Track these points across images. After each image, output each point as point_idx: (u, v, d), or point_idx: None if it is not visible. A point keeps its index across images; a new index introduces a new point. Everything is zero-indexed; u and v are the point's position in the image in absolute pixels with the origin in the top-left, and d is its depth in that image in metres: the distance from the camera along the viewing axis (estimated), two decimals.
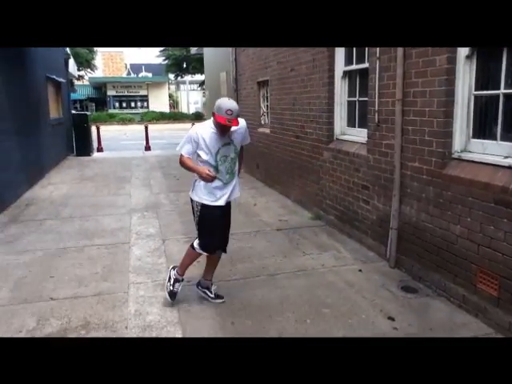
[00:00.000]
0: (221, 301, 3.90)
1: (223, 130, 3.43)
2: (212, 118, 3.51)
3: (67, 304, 3.90)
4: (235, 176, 3.71)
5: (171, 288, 3.81)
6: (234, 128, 3.50)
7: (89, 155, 14.04)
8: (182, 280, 3.86)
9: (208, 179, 3.51)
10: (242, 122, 3.60)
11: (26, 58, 9.49)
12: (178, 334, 3.38)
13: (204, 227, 3.69)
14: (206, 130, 3.50)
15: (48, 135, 11.17)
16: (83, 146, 14.00)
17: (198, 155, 3.55)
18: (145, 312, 3.73)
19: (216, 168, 3.54)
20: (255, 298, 3.97)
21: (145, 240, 5.63)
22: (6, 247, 5.40)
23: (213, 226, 3.68)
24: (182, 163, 3.63)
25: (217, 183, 3.58)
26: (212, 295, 3.93)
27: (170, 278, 3.85)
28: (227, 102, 3.38)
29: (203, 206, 3.62)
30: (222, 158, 3.54)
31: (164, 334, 3.38)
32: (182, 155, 3.59)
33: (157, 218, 6.64)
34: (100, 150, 15.24)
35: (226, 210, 3.74)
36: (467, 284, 3.60)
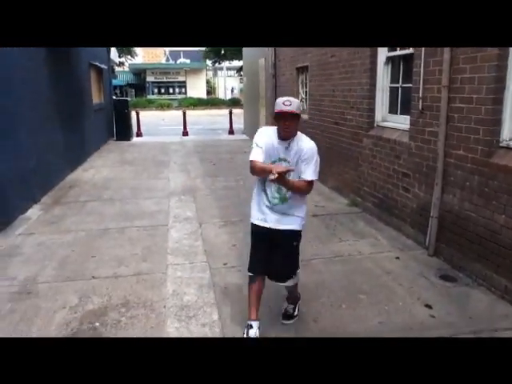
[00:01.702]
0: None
1: (284, 126, 2.88)
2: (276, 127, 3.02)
3: (108, 283, 4.03)
4: (287, 203, 3.06)
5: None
6: (295, 141, 2.95)
7: (128, 140, 14.32)
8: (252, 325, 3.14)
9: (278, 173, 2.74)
10: (309, 142, 3.00)
11: None
12: (215, 315, 3.44)
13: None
14: (267, 131, 3.04)
15: (90, 120, 11.47)
16: (123, 131, 14.29)
17: None
18: (182, 292, 3.81)
19: (263, 183, 3.08)
20: None
21: (182, 223, 5.72)
22: (50, 227, 5.62)
23: (254, 245, 3.21)
24: (252, 169, 2.97)
25: (265, 201, 3.10)
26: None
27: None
28: (284, 97, 2.98)
29: (251, 223, 3.20)
30: None
31: (201, 314, 3.44)
32: (250, 161, 2.98)
33: (194, 202, 6.73)
34: (139, 134, 15.53)
35: (271, 234, 3.10)
36: (510, 275, 3.49)
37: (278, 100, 2.96)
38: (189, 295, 3.77)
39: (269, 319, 3.36)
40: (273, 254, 3.11)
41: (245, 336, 3.09)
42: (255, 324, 3.10)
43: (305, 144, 2.98)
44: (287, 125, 2.88)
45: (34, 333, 3.22)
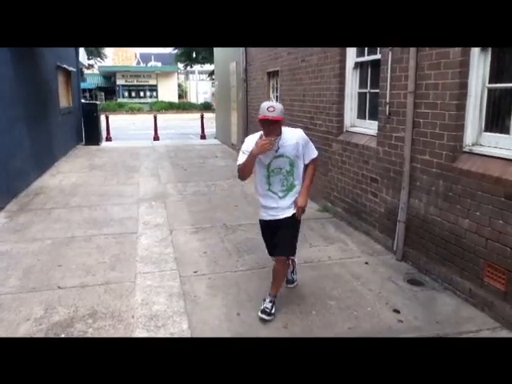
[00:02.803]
0: (267, 317, 3.44)
1: (269, 131, 3.17)
2: (260, 132, 3.29)
3: (75, 293, 3.93)
4: (292, 193, 3.44)
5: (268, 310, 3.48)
6: (284, 139, 3.26)
7: (98, 144, 14.07)
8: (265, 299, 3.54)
9: (264, 146, 3.11)
10: (297, 131, 3.43)
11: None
12: (184, 324, 3.39)
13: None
14: (254, 138, 3.29)
15: (58, 124, 11.21)
16: (92, 135, 14.03)
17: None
18: (151, 302, 3.75)
19: (267, 179, 3.40)
20: (261, 289, 3.95)
21: (152, 230, 5.64)
22: (15, 235, 5.45)
23: (263, 237, 3.76)
24: (240, 171, 3.33)
25: (271, 195, 3.43)
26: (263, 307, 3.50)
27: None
28: (268, 102, 3.29)
29: (261, 220, 3.66)
30: (275, 170, 3.35)
31: (170, 324, 3.39)
32: (238, 165, 3.32)
33: (164, 208, 6.66)
34: (109, 139, 15.28)
35: (274, 225, 3.50)
36: (474, 278, 3.58)
37: (262, 105, 3.18)
38: (158, 304, 3.71)
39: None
40: (278, 235, 3.48)
41: (262, 307, 3.47)
42: (268, 299, 3.50)
43: (294, 135, 3.35)
44: (271, 129, 3.17)
45: None
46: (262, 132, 3.26)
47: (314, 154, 3.49)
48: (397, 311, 3.57)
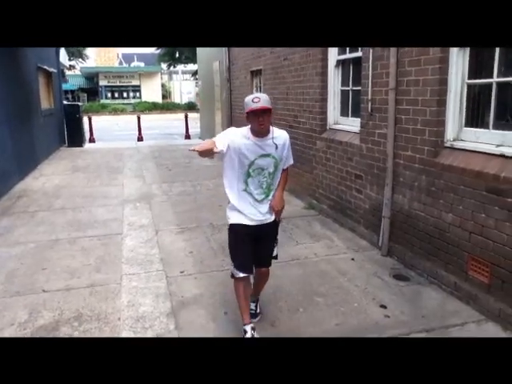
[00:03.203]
0: (253, 319, 3.30)
1: (258, 123, 2.87)
2: (247, 127, 3.01)
3: (59, 296, 3.88)
4: (270, 197, 3.13)
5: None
6: (275, 138, 2.98)
7: (81, 146, 13.91)
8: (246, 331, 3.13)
9: (202, 150, 2.83)
10: (284, 133, 3.12)
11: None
12: (171, 325, 3.38)
13: (230, 247, 3.24)
14: (239, 131, 3.02)
15: (39, 126, 11.06)
16: (75, 137, 13.87)
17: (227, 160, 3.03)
18: (138, 303, 3.72)
19: (245, 179, 3.03)
20: None
21: (137, 231, 5.61)
22: None
23: (238, 245, 3.16)
24: (200, 154, 2.90)
25: (246, 198, 3.08)
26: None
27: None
28: (252, 94, 2.97)
29: (229, 225, 3.19)
30: (256, 170, 3.00)
31: (157, 325, 3.37)
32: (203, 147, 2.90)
33: (149, 209, 6.61)
34: (92, 140, 15.12)
35: (256, 231, 3.12)
36: (459, 271, 3.62)
37: (246, 99, 2.94)
38: (144, 306, 3.68)
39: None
40: (259, 244, 3.17)
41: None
42: (248, 328, 3.09)
43: (282, 136, 3.09)
44: (261, 121, 2.88)
45: None
46: (248, 127, 2.97)
47: (291, 160, 3.24)
48: (383, 306, 3.60)
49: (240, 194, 3.09)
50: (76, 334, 3.27)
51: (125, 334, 3.25)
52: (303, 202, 6.65)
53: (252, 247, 3.13)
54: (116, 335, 3.25)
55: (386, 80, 4.33)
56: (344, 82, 5.65)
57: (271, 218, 3.17)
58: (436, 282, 3.89)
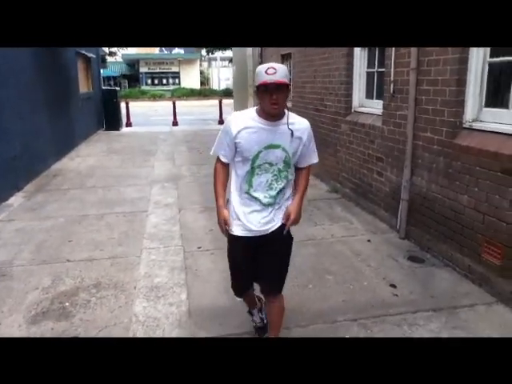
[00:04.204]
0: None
1: (270, 101, 2.23)
2: (254, 108, 2.41)
3: (82, 265, 4.09)
4: (281, 200, 2.50)
5: (253, 325, 3.03)
6: (292, 121, 2.35)
7: (118, 130, 14.32)
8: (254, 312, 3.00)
9: (220, 228, 2.55)
10: (304, 122, 2.44)
11: None
12: (183, 295, 3.51)
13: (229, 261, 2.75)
14: (242, 117, 2.38)
15: (78, 109, 11.46)
16: (112, 121, 14.28)
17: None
18: (154, 274, 3.88)
19: (249, 177, 2.42)
20: None
21: (162, 209, 5.78)
22: (30, 214, 5.66)
23: (233, 263, 2.71)
24: (214, 174, 2.56)
25: (250, 203, 2.46)
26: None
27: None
28: (266, 64, 2.27)
29: (232, 236, 2.55)
30: (262, 166, 2.38)
31: (169, 295, 3.51)
32: (217, 160, 2.54)
33: (176, 189, 6.78)
34: (129, 124, 15.51)
35: (258, 243, 2.52)
36: (473, 254, 3.57)
37: (258, 69, 2.27)
38: (160, 277, 3.83)
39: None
40: (265, 260, 2.58)
41: (253, 324, 3.00)
42: (255, 311, 2.97)
43: (303, 124, 2.43)
44: (274, 99, 2.22)
45: (5, 312, 3.28)
46: (256, 107, 2.39)
47: (315, 158, 2.56)
48: (393, 286, 3.60)
49: (241, 195, 2.48)
50: (93, 300, 3.46)
51: (138, 302, 3.41)
52: (327, 186, 6.65)
53: (253, 265, 2.60)
54: (130, 302, 3.41)
55: (407, 60, 4.26)
56: (370, 64, 5.58)
57: (279, 223, 2.52)
58: (450, 265, 3.85)
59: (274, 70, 2.19)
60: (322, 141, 6.80)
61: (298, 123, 2.39)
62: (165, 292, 3.57)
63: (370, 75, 5.62)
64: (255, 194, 2.43)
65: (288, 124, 2.33)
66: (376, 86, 5.44)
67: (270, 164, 2.37)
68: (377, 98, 5.41)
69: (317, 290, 3.57)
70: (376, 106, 5.31)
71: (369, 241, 4.55)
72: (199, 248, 4.46)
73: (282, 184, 2.43)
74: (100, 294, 3.55)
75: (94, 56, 13.72)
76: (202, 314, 3.26)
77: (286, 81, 2.24)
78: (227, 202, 2.54)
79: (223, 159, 2.49)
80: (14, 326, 3.08)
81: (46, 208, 5.90)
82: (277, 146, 2.34)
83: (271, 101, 2.23)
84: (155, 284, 3.70)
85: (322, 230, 4.87)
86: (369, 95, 5.67)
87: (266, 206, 2.45)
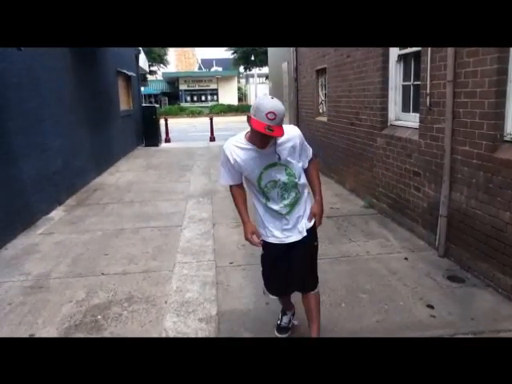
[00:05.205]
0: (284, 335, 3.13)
1: (262, 140, 2.40)
2: (244, 133, 2.56)
3: (116, 279, 4.15)
4: (299, 206, 2.67)
5: (278, 322, 3.19)
6: (279, 142, 2.48)
7: (157, 145, 14.64)
8: (288, 314, 3.18)
9: (250, 242, 2.75)
10: (292, 130, 2.59)
11: (97, 52, 10.07)
12: (213, 311, 3.48)
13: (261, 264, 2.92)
14: (236, 148, 2.54)
15: (118, 126, 11.81)
16: (151, 137, 14.63)
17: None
18: (185, 289, 3.88)
19: (263, 195, 2.63)
20: None
21: (196, 224, 5.82)
22: (70, 227, 5.82)
23: (265, 266, 2.87)
24: (233, 197, 2.80)
25: (271, 212, 2.66)
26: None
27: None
28: (269, 102, 2.32)
29: (263, 241, 2.76)
30: (268, 185, 2.58)
31: (200, 310, 3.50)
32: (230, 187, 2.76)
33: (211, 204, 6.82)
34: (168, 140, 15.84)
35: (286, 249, 2.71)
36: None
37: (259, 104, 2.33)
38: (191, 292, 3.83)
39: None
40: (293, 263, 2.74)
41: (278, 322, 3.17)
42: (290, 312, 3.16)
43: (290, 134, 2.53)
44: (266, 142, 2.42)
45: (40, 324, 3.35)
46: (246, 132, 2.54)
47: (310, 152, 2.70)
48: (430, 307, 3.45)
49: (264, 207, 2.68)
50: (125, 314, 3.49)
51: (169, 317, 3.41)
52: (363, 201, 6.51)
53: (285, 268, 2.76)
54: (161, 317, 3.42)
55: (444, 72, 4.14)
56: (406, 77, 5.47)
57: (304, 228, 2.68)
58: (492, 285, 3.66)
59: (275, 116, 2.28)
60: (357, 155, 6.71)
61: (285, 138, 2.48)
62: (195, 307, 3.56)
63: (405, 88, 5.50)
64: (272, 206, 2.63)
65: (276, 147, 2.47)
66: (412, 99, 5.31)
67: (274, 181, 2.56)
68: (413, 111, 5.28)
69: (350, 309, 3.47)
70: (412, 120, 5.19)
71: (406, 259, 4.40)
72: (231, 263, 4.44)
73: (294, 192, 2.62)
74: (132, 308, 3.58)
75: (134, 74, 14.15)
76: (231, 330, 3.22)
77: (283, 128, 2.35)
78: (255, 211, 2.73)
79: (233, 183, 2.68)
80: None
81: (84, 222, 6.06)
82: (274, 164, 2.52)
83: (262, 142, 2.41)
84: (186, 299, 3.70)
85: (356, 247, 4.75)
86: (405, 108, 5.55)
87: (284, 214, 2.63)
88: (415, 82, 5.19)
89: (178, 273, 4.25)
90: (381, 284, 3.88)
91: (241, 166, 2.55)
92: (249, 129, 2.48)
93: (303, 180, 2.68)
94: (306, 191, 2.73)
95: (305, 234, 2.67)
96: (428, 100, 4.48)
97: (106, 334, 3.19)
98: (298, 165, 2.61)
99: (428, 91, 4.46)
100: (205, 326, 3.27)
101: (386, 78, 5.66)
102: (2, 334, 3.22)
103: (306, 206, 2.71)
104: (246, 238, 2.73)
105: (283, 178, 2.56)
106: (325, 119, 8.47)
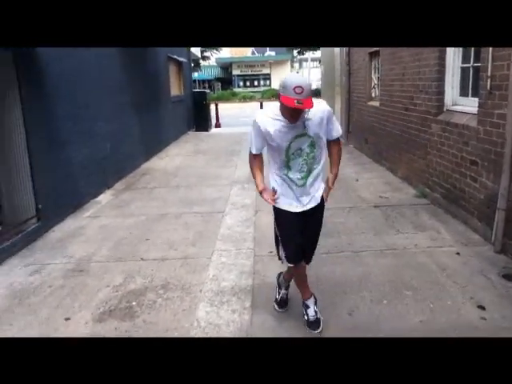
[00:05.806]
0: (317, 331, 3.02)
1: (292, 115, 2.55)
2: (275, 103, 2.70)
3: (154, 265, 4.13)
4: (314, 179, 2.85)
5: (305, 318, 3.10)
6: (310, 113, 2.61)
7: (207, 131, 14.71)
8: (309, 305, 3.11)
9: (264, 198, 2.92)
10: (321, 105, 2.70)
11: None
12: (247, 302, 3.38)
13: (277, 234, 3.05)
14: (267, 118, 2.68)
15: (168, 111, 11.91)
16: (202, 122, 14.71)
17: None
18: (221, 278, 3.80)
19: (287, 163, 2.78)
20: (333, 273, 3.80)
21: (239, 210, 5.73)
22: (116, 211, 5.91)
23: (288, 233, 2.94)
24: (250, 164, 2.97)
25: (289, 183, 2.83)
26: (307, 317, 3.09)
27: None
28: (295, 77, 2.51)
29: (276, 209, 2.94)
30: (295, 153, 2.73)
31: (234, 301, 3.40)
32: (250, 153, 2.91)
33: (255, 190, 6.70)
34: (218, 125, 15.88)
35: (304, 216, 2.89)
36: None
37: (286, 81, 2.47)
38: (227, 281, 3.74)
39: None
40: (305, 232, 2.93)
41: (305, 318, 3.05)
42: (311, 302, 3.09)
43: (319, 110, 2.65)
44: (295, 116, 2.56)
45: (76, 308, 3.39)
46: (277, 107, 2.63)
47: (339, 131, 2.85)
48: (482, 307, 3.17)
49: (282, 177, 2.83)
50: (159, 301, 3.46)
51: (202, 306, 3.34)
52: (415, 190, 6.16)
53: (300, 234, 2.91)
54: (194, 306, 3.36)
55: (507, 52, 3.75)
56: (465, 59, 5.06)
57: (318, 199, 2.89)
58: None
59: (302, 90, 2.41)
60: (410, 142, 6.35)
61: (314, 113, 2.61)
62: (229, 297, 3.46)
63: (464, 71, 5.09)
64: (291, 176, 2.79)
65: (304, 121, 2.61)
66: (471, 83, 4.90)
67: (301, 149, 2.72)
68: (472, 96, 4.87)
69: (392, 307, 3.25)
70: (471, 105, 4.79)
71: (458, 253, 4.09)
72: (270, 252, 4.30)
73: (314, 164, 2.80)
74: (166, 296, 3.54)
75: (185, 60, 14.22)
76: (263, 325, 3.11)
77: (311, 101, 2.46)
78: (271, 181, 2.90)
79: (257, 152, 2.85)
80: (81, 323, 3.17)
81: (130, 206, 6.13)
82: (303, 135, 2.67)
83: (292, 116, 2.55)
84: (221, 288, 3.62)
85: (404, 239, 4.48)
86: (463, 92, 5.14)
87: (301, 186, 2.81)
88: (475, 64, 4.77)
89: (215, 260, 4.17)
90: (428, 280, 3.61)
91: (271, 135, 2.67)
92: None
93: (324, 154, 2.86)
94: (323, 164, 2.87)
95: (319, 201, 2.90)
96: (489, 83, 4.09)
97: (139, 322, 3.16)
98: (323, 139, 2.78)
99: (489, 73, 4.08)
100: (237, 317, 3.17)
101: (442, 60, 5.26)
102: (40, 317, 3.28)
103: (321, 178, 2.92)
104: (262, 196, 2.92)
105: (308, 149, 2.73)
106: (377, 104, 8.09)
